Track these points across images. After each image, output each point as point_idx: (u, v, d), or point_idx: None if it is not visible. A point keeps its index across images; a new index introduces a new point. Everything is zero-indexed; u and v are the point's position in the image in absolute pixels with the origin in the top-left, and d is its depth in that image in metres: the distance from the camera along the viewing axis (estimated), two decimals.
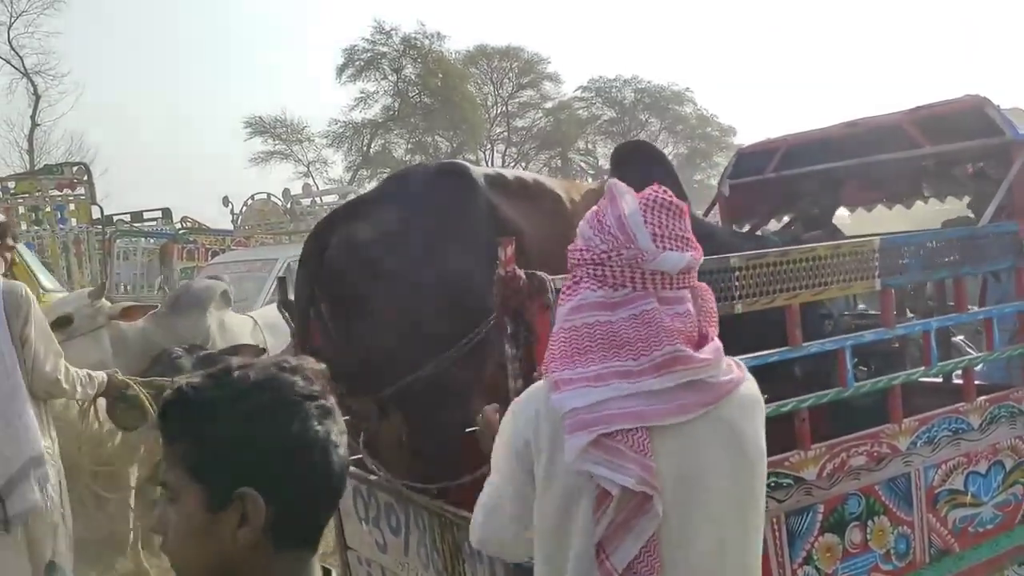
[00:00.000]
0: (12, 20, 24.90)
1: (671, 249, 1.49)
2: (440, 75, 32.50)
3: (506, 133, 37.02)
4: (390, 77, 32.87)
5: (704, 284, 1.56)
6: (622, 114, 40.16)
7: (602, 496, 1.45)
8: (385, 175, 31.36)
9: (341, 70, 32.54)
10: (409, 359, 2.45)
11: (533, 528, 1.59)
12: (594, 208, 1.59)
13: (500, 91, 36.61)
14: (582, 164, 39.42)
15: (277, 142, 32.50)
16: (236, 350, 3.98)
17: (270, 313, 5.57)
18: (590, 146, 40.31)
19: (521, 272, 2.06)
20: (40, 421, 3.21)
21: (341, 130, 33.10)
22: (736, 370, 1.54)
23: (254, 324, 5.32)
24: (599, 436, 1.43)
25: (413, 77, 32.93)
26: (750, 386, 1.58)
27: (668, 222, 1.51)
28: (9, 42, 24.92)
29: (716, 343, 1.53)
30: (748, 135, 41.05)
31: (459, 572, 2.31)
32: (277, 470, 1.11)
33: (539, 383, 1.62)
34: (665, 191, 1.55)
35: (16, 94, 25.36)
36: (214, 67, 51.78)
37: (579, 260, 1.55)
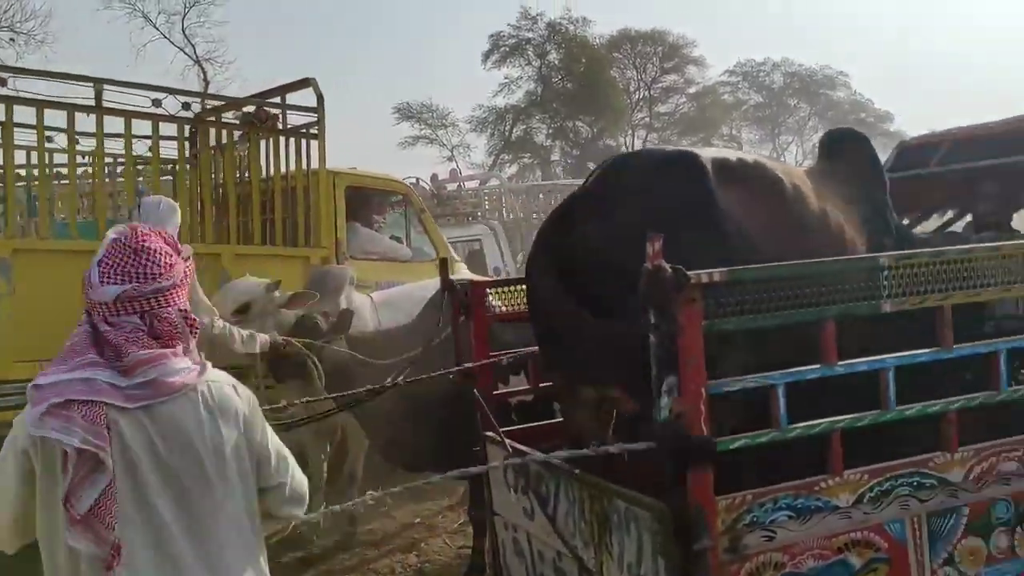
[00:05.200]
0: (186, 10, 26.76)
1: (110, 283, 1.82)
2: (583, 60, 32.51)
3: (648, 119, 36.58)
4: (534, 63, 33.18)
5: (167, 313, 1.84)
6: (770, 99, 38.89)
7: (65, 456, 1.71)
8: (525, 158, 30.96)
9: (487, 56, 33.22)
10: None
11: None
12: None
13: (643, 76, 36.20)
14: None
15: (423, 127, 33.52)
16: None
17: (392, 293, 6.15)
18: (735, 132, 39.28)
19: (668, 266, 2.16)
20: None
21: (484, 115, 33.77)
22: (192, 375, 1.84)
23: (371, 303, 5.81)
24: (51, 406, 1.71)
25: (556, 63, 33.08)
26: (221, 388, 1.90)
27: (121, 260, 1.84)
28: (183, 31, 26.84)
29: (159, 351, 1.81)
30: (907, 122, 38.57)
31: (606, 542, 2.45)
32: None
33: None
34: (136, 234, 1.88)
35: (188, 80, 27.19)
36: (367, 53, 53.74)
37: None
